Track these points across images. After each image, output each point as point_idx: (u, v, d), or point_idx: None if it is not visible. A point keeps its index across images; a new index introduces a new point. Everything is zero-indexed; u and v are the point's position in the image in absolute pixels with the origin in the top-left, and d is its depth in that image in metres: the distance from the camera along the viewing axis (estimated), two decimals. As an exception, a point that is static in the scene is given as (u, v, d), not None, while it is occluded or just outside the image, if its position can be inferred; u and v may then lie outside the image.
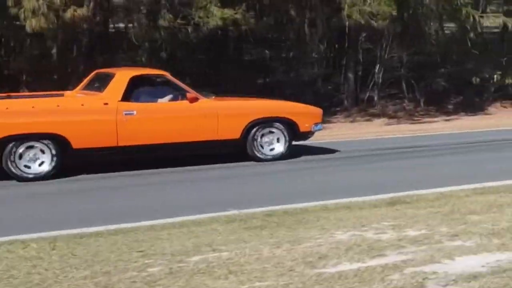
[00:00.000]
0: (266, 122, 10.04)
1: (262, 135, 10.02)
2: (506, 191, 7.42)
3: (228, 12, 12.79)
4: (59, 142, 8.97)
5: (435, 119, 16.78)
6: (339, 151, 11.06)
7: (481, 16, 16.08)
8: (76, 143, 9.06)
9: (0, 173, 8.90)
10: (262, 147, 10.03)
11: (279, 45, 17.82)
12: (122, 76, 9.69)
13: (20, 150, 8.82)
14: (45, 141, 8.92)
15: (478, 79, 17.64)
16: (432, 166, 9.91)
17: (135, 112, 9.39)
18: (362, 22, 13.71)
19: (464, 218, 6.20)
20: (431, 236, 5.60)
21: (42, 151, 8.91)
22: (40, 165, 8.93)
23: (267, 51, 17.55)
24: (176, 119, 9.68)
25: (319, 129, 10.56)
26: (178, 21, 12.91)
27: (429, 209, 6.61)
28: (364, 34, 17.05)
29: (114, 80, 9.60)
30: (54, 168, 8.94)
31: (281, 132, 10.09)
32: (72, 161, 9.33)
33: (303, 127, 10.20)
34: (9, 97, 9.99)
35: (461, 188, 7.66)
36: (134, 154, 9.68)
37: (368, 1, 13.57)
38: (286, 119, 10.13)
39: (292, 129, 10.14)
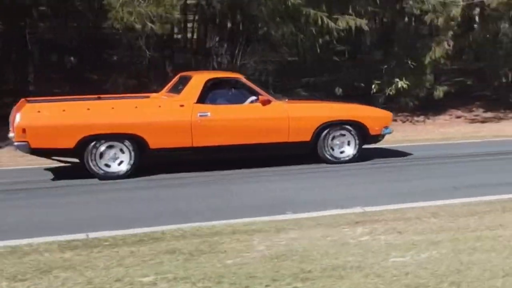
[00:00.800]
0: (336, 125, 10.52)
1: (333, 138, 10.51)
2: (98, 246, 5.99)
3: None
4: (137, 142, 9.62)
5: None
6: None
7: (335, 18, 14.52)
8: (153, 143, 9.69)
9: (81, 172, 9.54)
10: (332, 149, 10.52)
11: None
12: (198, 79, 10.32)
13: (101, 149, 9.51)
14: (124, 141, 9.58)
15: (340, 90, 16.01)
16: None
17: (209, 114, 9.99)
18: (137, 26, 12.21)
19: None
20: None
21: (122, 151, 9.58)
22: (119, 164, 9.60)
23: (72, 58, 16.02)
24: (248, 121, 10.21)
25: (389, 132, 10.98)
26: None
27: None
28: (217, 39, 15.61)
29: (190, 82, 10.23)
30: (132, 167, 9.59)
31: (351, 135, 10.56)
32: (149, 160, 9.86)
33: (373, 130, 10.66)
34: (99, 98, 10.62)
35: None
36: (207, 154, 10.25)
37: (145, 3, 11.99)
38: (357, 122, 10.57)
39: (362, 132, 10.57)
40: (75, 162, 10.05)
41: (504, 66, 18.45)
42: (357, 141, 10.56)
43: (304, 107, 10.97)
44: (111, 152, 9.58)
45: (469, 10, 16.45)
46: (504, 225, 6.62)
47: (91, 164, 9.49)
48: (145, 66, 15.61)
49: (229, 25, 15.84)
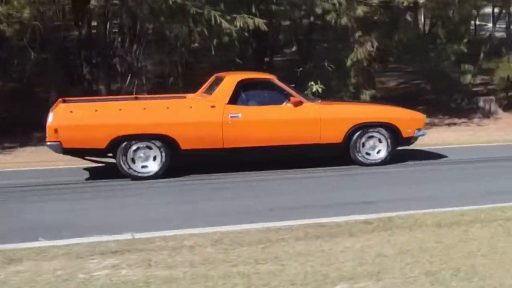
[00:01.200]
0: (368, 127, 10.54)
1: (365, 140, 10.55)
2: None
3: None
4: (168, 143, 9.73)
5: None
6: None
7: (234, 17, 13.68)
8: (184, 144, 9.78)
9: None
10: (364, 151, 10.55)
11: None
12: (230, 80, 10.33)
13: (132, 150, 9.63)
14: (155, 142, 9.70)
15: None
16: None
17: (240, 115, 10.04)
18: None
19: None
20: None
21: (153, 151, 9.70)
22: (150, 164, 9.71)
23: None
24: (280, 123, 10.25)
25: (422, 135, 11.01)
26: None
27: None
28: (119, 39, 14.82)
29: (222, 83, 10.31)
30: (163, 167, 9.71)
31: (383, 137, 10.59)
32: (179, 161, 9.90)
33: (406, 132, 10.69)
34: (136, 98, 10.95)
35: None
36: (238, 156, 10.28)
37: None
38: (389, 124, 10.61)
39: (394, 134, 10.62)
40: (110, 162, 10.10)
41: (437, 68, 17.67)
42: (389, 143, 10.60)
43: (336, 109, 10.90)
44: (143, 152, 9.71)
45: (386, 10, 15.58)
46: (279, 257, 5.88)
47: (122, 164, 9.61)
48: (28, 68, 14.74)
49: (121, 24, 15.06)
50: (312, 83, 15.60)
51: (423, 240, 6.43)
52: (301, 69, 16.09)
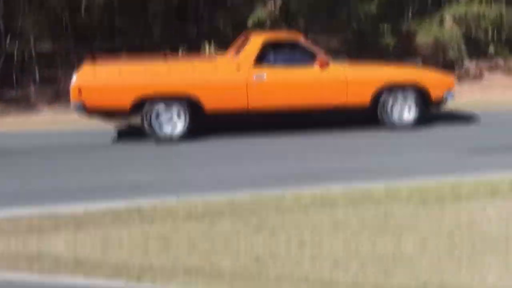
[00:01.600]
0: (396, 89, 10.37)
1: (393, 102, 10.35)
2: None
3: None
4: (192, 104, 9.68)
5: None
6: None
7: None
8: (208, 105, 9.72)
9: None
10: (392, 113, 10.37)
11: None
12: (256, 40, 10.26)
13: (156, 111, 9.64)
14: (179, 102, 9.66)
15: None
16: None
17: (265, 76, 9.96)
18: None
19: None
20: None
21: (177, 112, 9.69)
22: (174, 126, 9.73)
23: None
24: (306, 84, 10.14)
25: (452, 97, 10.73)
26: None
27: None
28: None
29: (248, 43, 10.22)
30: (187, 129, 9.73)
31: (411, 99, 10.39)
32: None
33: (435, 94, 10.49)
34: (165, 58, 10.76)
35: None
36: (263, 117, 10.16)
37: None
38: (417, 86, 10.42)
39: (423, 96, 10.42)
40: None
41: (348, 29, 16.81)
42: (418, 106, 10.43)
43: (363, 70, 10.72)
44: (167, 113, 9.70)
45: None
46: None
47: (146, 125, 9.67)
48: None
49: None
50: (207, 44, 14.85)
51: (153, 235, 5.84)
52: (196, 30, 15.30)
